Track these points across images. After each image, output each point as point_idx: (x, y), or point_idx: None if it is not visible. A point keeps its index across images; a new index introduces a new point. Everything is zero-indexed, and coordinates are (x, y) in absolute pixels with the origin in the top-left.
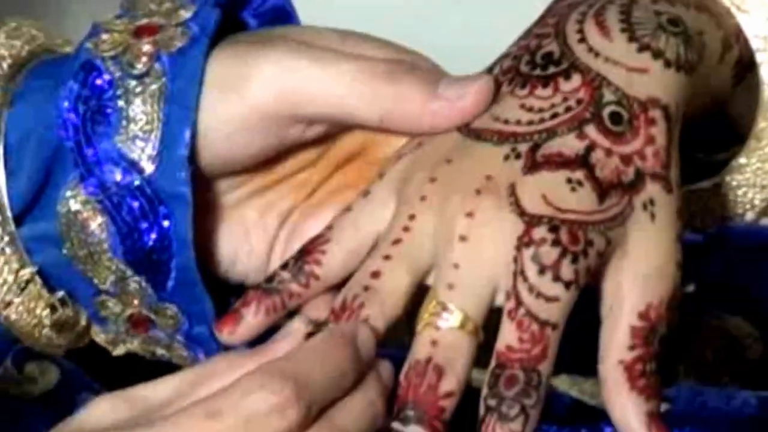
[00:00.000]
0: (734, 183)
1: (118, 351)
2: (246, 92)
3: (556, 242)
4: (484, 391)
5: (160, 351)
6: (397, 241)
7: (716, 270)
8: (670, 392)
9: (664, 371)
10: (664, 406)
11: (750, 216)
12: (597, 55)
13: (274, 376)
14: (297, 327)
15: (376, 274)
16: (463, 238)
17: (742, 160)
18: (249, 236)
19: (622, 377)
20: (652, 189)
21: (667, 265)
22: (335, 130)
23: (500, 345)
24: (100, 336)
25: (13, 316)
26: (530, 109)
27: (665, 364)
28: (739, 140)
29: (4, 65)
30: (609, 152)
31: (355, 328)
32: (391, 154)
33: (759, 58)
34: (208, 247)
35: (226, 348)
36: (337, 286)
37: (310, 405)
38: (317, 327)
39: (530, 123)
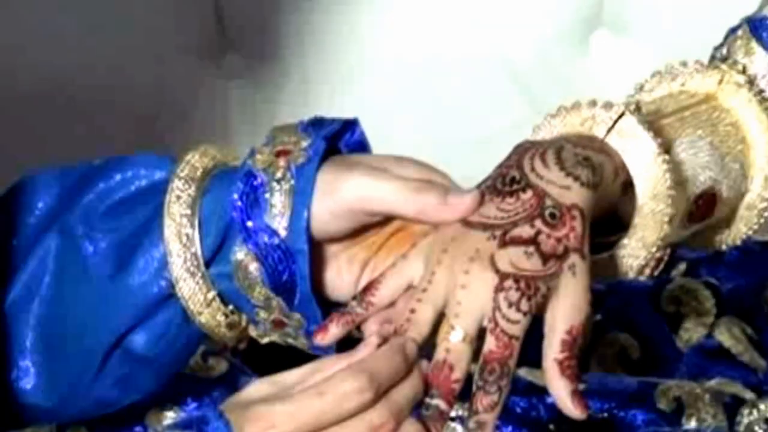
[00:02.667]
0: (621, 255)
1: (264, 341)
2: (337, 196)
3: (518, 289)
4: (476, 376)
5: (290, 341)
6: (425, 290)
7: (612, 305)
8: (585, 377)
9: (581, 365)
10: (581, 386)
11: (631, 274)
12: (541, 178)
13: (357, 371)
14: (372, 340)
15: (413, 311)
16: (463, 287)
17: (625, 241)
18: (342, 275)
19: (556, 370)
20: (573, 258)
21: (582, 303)
22: (388, 217)
23: (485, 349)
24: (254, 332)
25: (203, 321)
26: (502, 210)
27: (582, 361)
28: (623, 228)
29: (198, 173)
30: (548, 236)
31: (404, 341)
32: (419, 231)
33: (636, 181)
34: (319, 281)
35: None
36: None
37: (378, 389)
38: (384, 340)
39: (502, 218)
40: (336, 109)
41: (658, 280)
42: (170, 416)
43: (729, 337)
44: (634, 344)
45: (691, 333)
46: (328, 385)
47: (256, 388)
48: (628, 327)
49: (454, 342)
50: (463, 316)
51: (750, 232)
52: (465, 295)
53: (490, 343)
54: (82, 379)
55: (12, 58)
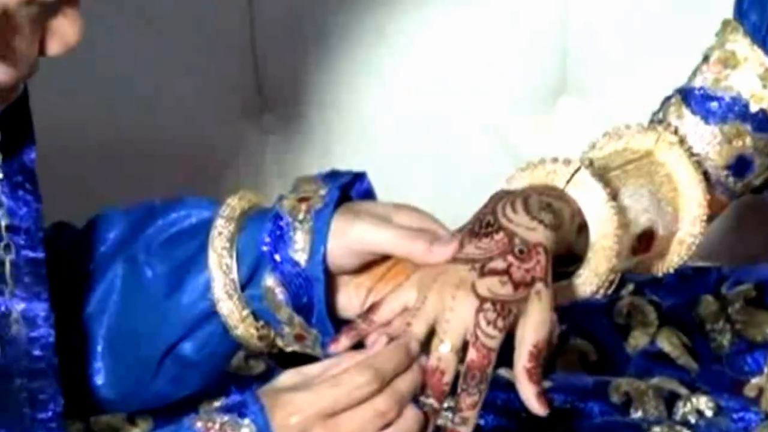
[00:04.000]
0: (577, 282)
1: (288, 349)
2: (347, 239)
3: (494, 310)
4: (460, 380)
5: (308, 350)
6: (418, 309)
7: (574, 318)
8: (552, 376)
9: (550, 366)
10: (548, 384)
11: (584, 297)
12: (511, 221)
13: (366, 366)
14: (382, 339)
15: (409, 325)
16: (450, 309)
17: (581, 271)
18: (351, 299)
19: (525, 376)
20: (539, 285)
21: (546, 321)
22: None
23: (468, 359)
24: (280, 342)
25: (239, 333)
26: (480, 248)
27: (550, 363)
28: (579, 261)
29: (237, 213)
30: (518, 267)
31: (409, 340)
32: (413, 265)
33: (589, 223)
34: (332, 303)
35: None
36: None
37: (383, 380)
38: (390, 341)
39: (480, 255)
40: (350, 159)
41: (611, 298)
42: (217, 405)
43: (668, 344)
44: (592, 349)
45: (638, 340)
46: (342, 377)
47: (286, 377)
48: (587, 335)
49: (443, 352)
50: (451, 332)
51: (681, 262)
52: (452, 315)
53: (472, 354)
54: (143, 378)
55: (93, 113)
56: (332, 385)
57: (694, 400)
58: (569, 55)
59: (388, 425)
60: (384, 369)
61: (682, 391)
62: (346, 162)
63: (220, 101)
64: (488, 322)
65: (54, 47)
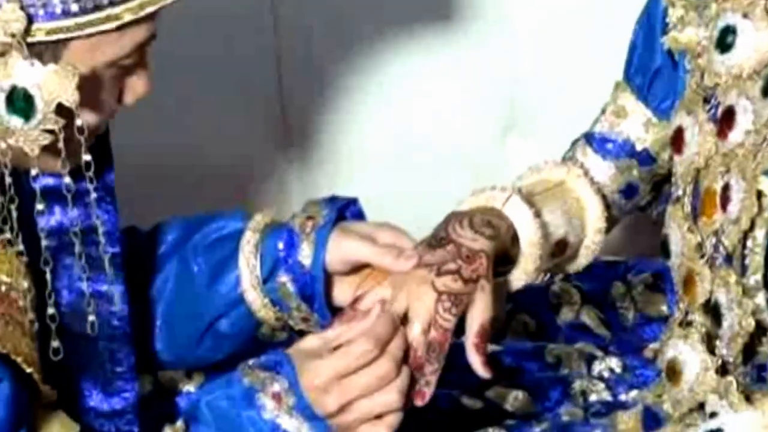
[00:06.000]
0: (511, 279)
1: (297, 328)
2: (340, 252)
3: (449, 300)
4: (425, 353)
5: (311, 329)
6: (394, 301)
7: (518, 298)
8: (503, 342)
9: (501, 334)
10: (498, 348)
11: (517, 288)
12: (459, 235)
13: (368, 337)
14: (377, 310)
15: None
16: (417, 298)
17: (514, 271)
18: (343, 293)
19: (473, 349)
20: (483, 282)
21: (489, 307)
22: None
23: (430, 337)
24: (291, 322)
25: (261, 315)
26: (436, 256)
27: (501, 332)
28: (513, 263)
29: (261, 226)
30: (467, 268)
31: (393, 314)
32: (388, 271)
33: (519, 234)
34: (329, 294)
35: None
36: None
37: (382, 346)
38: (383, 309)
39: (437, 261)
40: (354, 180)
41: (547, 283)
42: (252, 362)
43: (588, 318)
44: (532, 322)
45: (566, 315)
46: (350, 348)
47: (309, 340)
48: (528, 311)
49: (415, 333)
50: (418, 318)
51: (587, 262)
52: (419, 305)
53: (433, 333)
54: (190, 345)
55: (150, 142)
56: (344, 353)
57: (607, 360)
58: (516, 103)
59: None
60: (381, 337)
61: (598, 353)
62: (351, 182)
63: (252, 135)
64: (444, 310)
65: (129, 98)
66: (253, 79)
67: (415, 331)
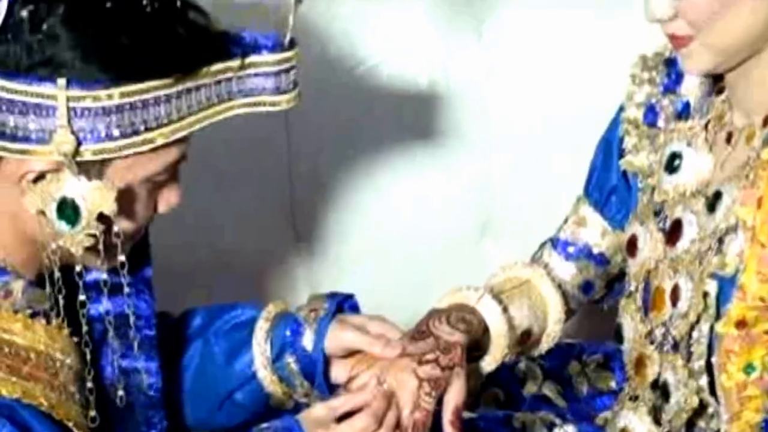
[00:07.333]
0: (482, 365)
1: (300, 401)
2: (338, 340)
3: (429, 386)
4: (411, 429)
5: (311, 402)
6: (382, 384)
7: (489, 375)
8: (477, 410)
9: (475, 404)
10: (474, 415)
11: (489, 372)
12: (437, 329)
13: (367, 414)
14: (374, 390)
15: (382, 386)
16: (402, 386)
17: (486, 357)
18: (339, 372)
19: (449, 426)
20: (458, 369)
21: (463, 390)
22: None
23: (414, 417)
24: (295, 396)
25: (270, 390)
26: (418, 348)
27: (474, 403)
28: (484, 351)
29: (272, 315)
30: (444, 358)
31: (388, 392)
32: (377, 357)
33: (490, 327)
34: (328, 374)
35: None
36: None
37: (379, 420)
38: (379, 385)
39: (418, 351)
40: (354, 272)
41: (514, 362)
42: (265, 425)
43: (549, 391)
44: (501, 393)
45: (530, 388)
46: (353, 421)
47: (316, 408)
48: (499, 384)
49: (405, 414)
50: (406, 401)
51: (548, 347)
52: (404, 391)
53: (416, 414)
54: (212, 412)
55: (177, 241)
56: (348, 425)
57: (565, 426)
58: (491, 210)
59: None
60: (378, 413)
61: (557, 421)
62: (352, 273)
63: (267, 237)
64: (426, 393)
65: (162, 208)
66: (268, 190)
67: (405, 412)
